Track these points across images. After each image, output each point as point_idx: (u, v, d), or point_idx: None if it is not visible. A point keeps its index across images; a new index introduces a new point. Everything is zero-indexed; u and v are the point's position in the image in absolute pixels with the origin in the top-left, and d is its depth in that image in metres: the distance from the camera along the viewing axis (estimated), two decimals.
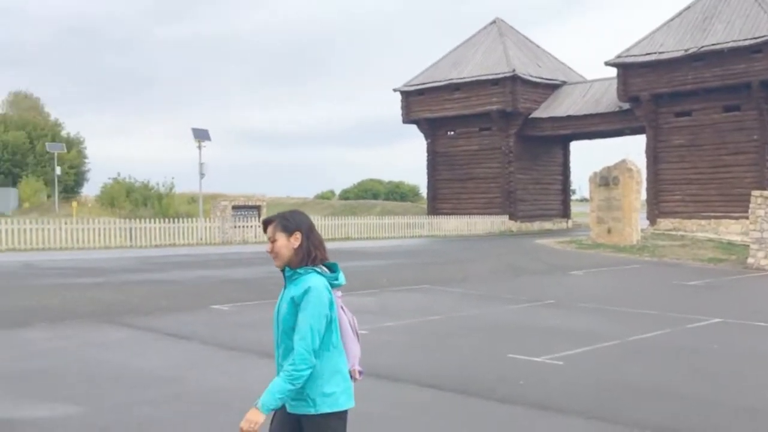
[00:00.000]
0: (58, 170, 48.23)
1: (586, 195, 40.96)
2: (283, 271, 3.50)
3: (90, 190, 60.04)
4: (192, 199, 43.30)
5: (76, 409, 6.75)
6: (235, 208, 31.14)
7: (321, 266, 3.49)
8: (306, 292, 3.38)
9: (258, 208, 32.10)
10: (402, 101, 44.02)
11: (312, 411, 3.42)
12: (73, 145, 59.57)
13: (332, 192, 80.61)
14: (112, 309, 12.48)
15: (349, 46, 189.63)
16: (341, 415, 3.49)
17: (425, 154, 44.16)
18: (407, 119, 44.08)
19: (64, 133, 61.12)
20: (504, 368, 8.49)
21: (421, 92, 42.94)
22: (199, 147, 33.34)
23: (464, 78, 41.08)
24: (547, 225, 42.12)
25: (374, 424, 6.39)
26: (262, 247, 28.70)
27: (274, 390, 3.34)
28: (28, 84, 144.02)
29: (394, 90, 44.25)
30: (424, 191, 52.09)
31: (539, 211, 42.19)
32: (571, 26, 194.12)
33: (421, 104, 42.98)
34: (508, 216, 40.06)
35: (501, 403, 7.03)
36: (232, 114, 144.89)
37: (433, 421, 6.57)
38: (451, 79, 41.54)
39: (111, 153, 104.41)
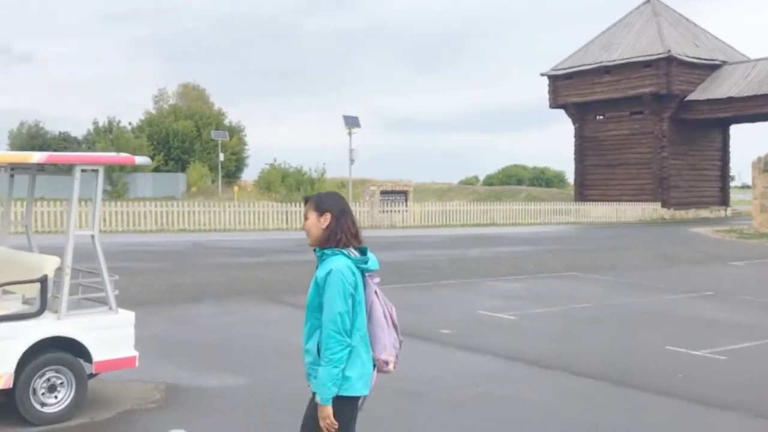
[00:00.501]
0: (221, 157, 51.07)
1: (748, 182, 38.38)
2: (315, 250, 3.59)
3: (249, 175, 63.07)
4: (342, 184, 44.57)
5: (243, 379, 7.27)
6: (383, 193, 31.82)
7: (351, 249, 3.52)
8: (328, 274, 3.44)
9: (405, 193, 32.62)
10: (549, 85, 43.07)
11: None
12: (235, 132, 62.80)
13: (476, 178, 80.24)
14: (272, 287, 13.22)
15: (496, 30, 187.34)
16: (353, 401, 3.48)
17: (572, 140, 43.02)
18: (554, 104, 43.09)
19: (226, 121, 64.56)
20: (661, 360, 8.26)
21: (569, 76, 41.82)
22: (350, 133, 34.23)
23: (615, 60, 39.59)
24: (704, 213, 39.90)
25: (527, 409, 6.46)
26: (409, 231, 29.16)
27: (323, 380, 3.37)
28: (195, 76, 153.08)
29: (542, 74, 43.37)
30: (570, 177, 50.81)
31: (695, 198, 40.03)
32: (733, 1, 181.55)
33: (570, 88, 41.86)
34: (660, 203, 38.33)
35: (659, 396, 6.88)
36: (380, 101, 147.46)
37: (587, 409, 6.53)
38: (601, 62, 40.15)
39: (268, 140, 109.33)
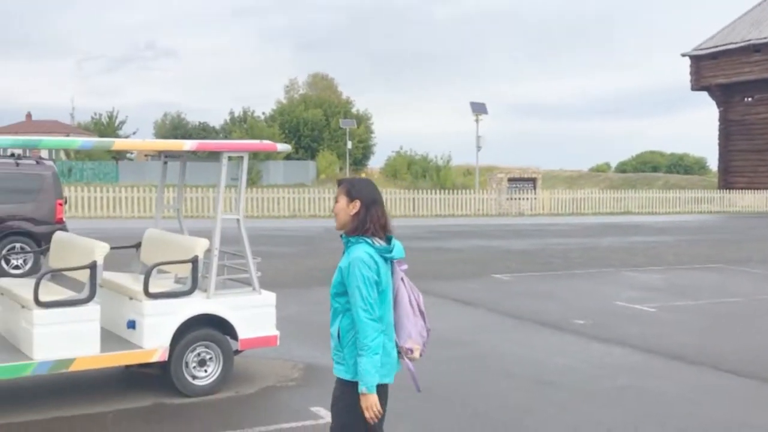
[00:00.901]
0: (349, 144, 52.20)
1: None
2: (341, 236, 3.53)
3: (375, 162, 64.18)
4: (467, 172, 44.38)
5: None
6: (510, 180, 31.41)
7: (375, 239, 3.45)
8: (350, 263, 3.39)
9: (533, 180, 32.06)
10: (691, 66, 40.93)
11: (348, 376, 3.43)
12: (362, 121, 63.96)
13: (608, 165, 77.56)
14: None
15: (630, 10, 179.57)
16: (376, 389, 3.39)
17: (716, 123, 40.74)
18: (697, 86, 40.93)
19: (354, 110, 65.87)
20: None
21: (713, 56, 39.56)
22: (477, 120, 34.01)
23: (765, 38, 37.01)
24: None
25: (668, 404, 6.20)
26: (538, 219, 28.64)
27: (364, 369, 3.33)
28: (324, 65, 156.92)
29: (683, 55, 41.27)
30: (712, 164, 48.10)
31: None
32: None
33: (714, 69, 39.61)
34: None
35: None
36: (507, 86, 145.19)
37: (735, 407, 6.19)
38: (750, 40, 37.69)
39: (394, 128, 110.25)
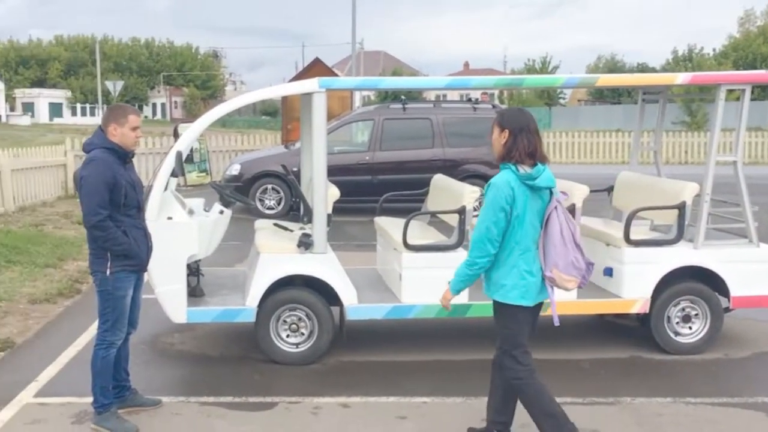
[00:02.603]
0: None
1: None
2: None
3: None
4: None
5: None
6: None
7: (523, 166, 3.60)
8: (487, 186, 3.65)
9: None
10: None
11: (488, 293, 3.82)
12: None
13: None
14: None
15: None
16: (512, 309, 3.70)
17: None
18: None
19: None
20: None
21: None
22: None
23: None
24: None
25: None
26: None
27: (458, 274, 3.79)
28: None
29: None
30: None
31: None
32: None
33: None
34: None
35: None
36: None
37: None
38: None
39: None
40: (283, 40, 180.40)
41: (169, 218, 5.13)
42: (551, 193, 3.68)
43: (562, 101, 56.00)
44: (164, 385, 4.79)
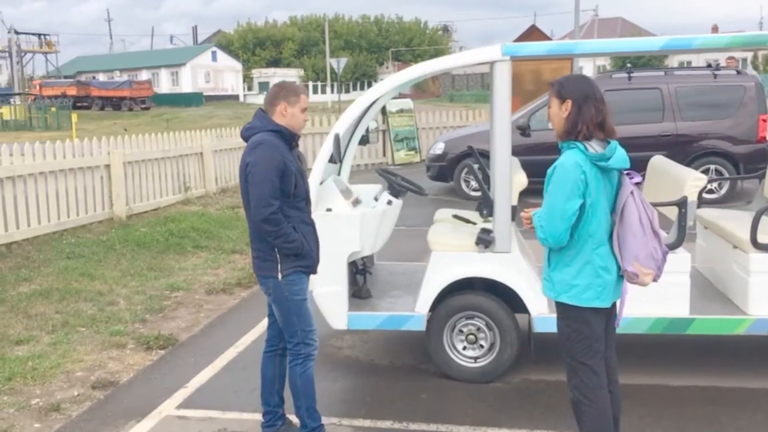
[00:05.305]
0: None
1: None
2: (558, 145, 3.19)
3: None
4: None
5: None
6: None
7: (592, 144, 3.04)
8: (553, 169, 3.08)
9: None
10: None
11: (551, 295, 3.23)
12: None
13: None
14: None
15: None
16: (586, 313, 3.13)
17: None
18: None
19: None
20: None
21: None
22: None
23: None
24: None
25: None
26: None
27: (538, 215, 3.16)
28: None
29: None
30: None
31: None
32: None
33: None
34: None
35: None
36: None
37: None
38: None
39: None
40: (514, 11, 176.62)
41: (329, 210, 4.54)
42: (619, 174, 3.14)
43: None
44: (321, 400, 4.23)
